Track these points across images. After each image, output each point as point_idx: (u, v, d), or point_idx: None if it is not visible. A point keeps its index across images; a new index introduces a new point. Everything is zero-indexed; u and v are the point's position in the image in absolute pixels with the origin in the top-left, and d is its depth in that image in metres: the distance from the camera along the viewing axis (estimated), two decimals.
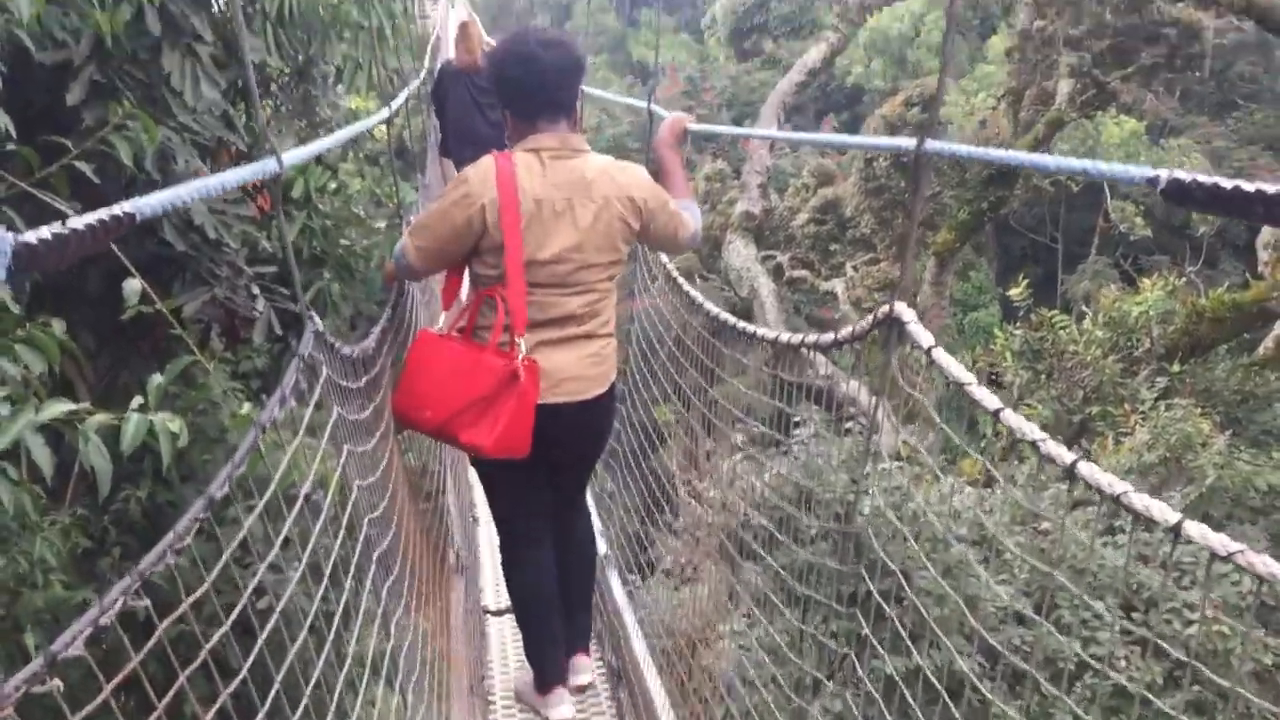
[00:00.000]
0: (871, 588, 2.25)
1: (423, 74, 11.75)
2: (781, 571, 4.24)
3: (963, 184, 15.64)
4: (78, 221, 0.98)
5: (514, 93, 3.04)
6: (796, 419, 6.76)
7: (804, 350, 2.79)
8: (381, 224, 8.67)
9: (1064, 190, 21.40)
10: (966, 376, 1.69)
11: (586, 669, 3.65)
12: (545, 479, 3.32)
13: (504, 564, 3.51)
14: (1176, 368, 10.22)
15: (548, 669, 3.51)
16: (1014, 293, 11.54)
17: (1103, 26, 15.74)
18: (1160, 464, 8.33)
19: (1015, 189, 16.23)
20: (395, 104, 4.94)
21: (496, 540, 3.57)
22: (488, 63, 3.24)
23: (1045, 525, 7.57)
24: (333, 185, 6.91)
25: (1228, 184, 1.09)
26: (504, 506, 3.41)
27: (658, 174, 3.35)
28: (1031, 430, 1.55)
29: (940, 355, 1.74)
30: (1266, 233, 14.20)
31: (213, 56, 4.35)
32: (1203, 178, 1.11)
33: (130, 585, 1.28)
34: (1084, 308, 19.07)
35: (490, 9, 46.51)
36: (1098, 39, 15.76)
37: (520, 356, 2.91)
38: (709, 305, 3.75)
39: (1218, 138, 28.65)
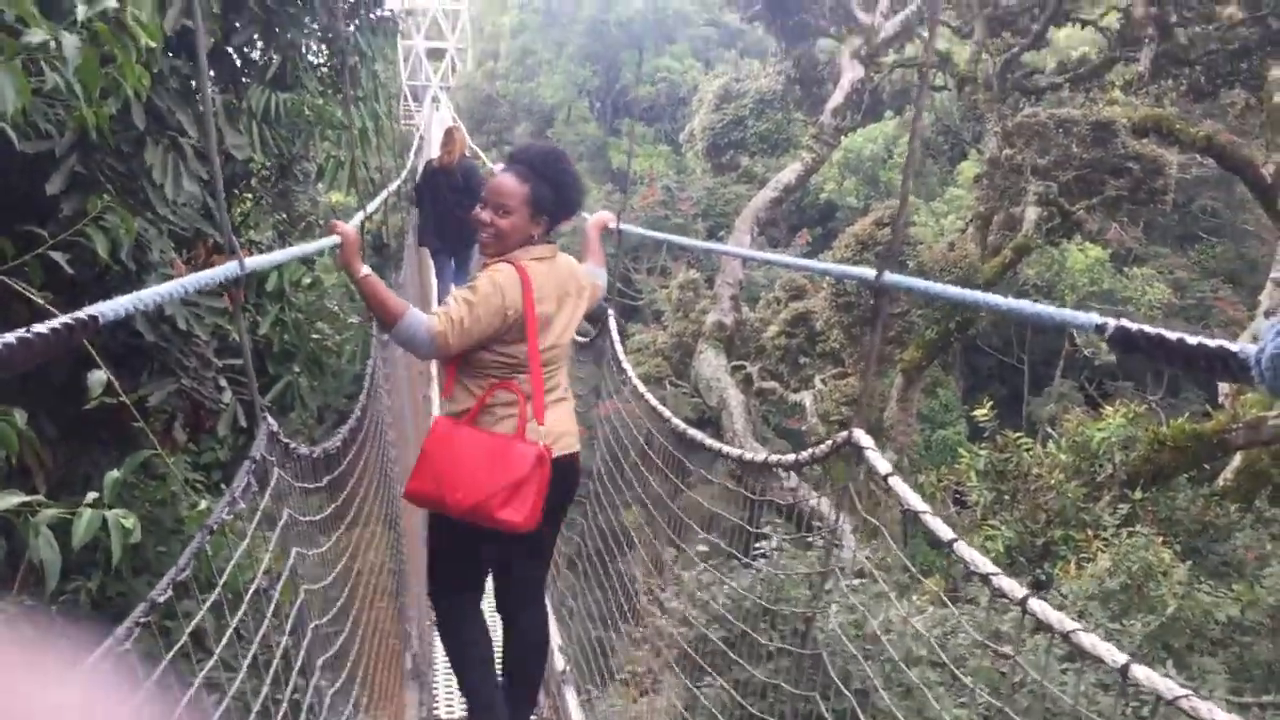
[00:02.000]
0: (824, 711, 2.22)
1: (404, 173, 11.96)
2: (724, 690, 4.18)
3: (930, 303, 15.88)
4: (42, 326, 0.99)
5: (565, 212, 3.53)
6: (760, 532, 6.72)
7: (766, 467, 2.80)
8: (355, 319, 8.70)
9: None
10: (921, 505, 1.70)
11: None
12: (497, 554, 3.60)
13: (446, 635, 3.70)
14: (1138, 495, 10.28)
15: None
16: (979, 413, 11.64)
17: (1069, 157, 16.20)
18: (1121, 591, 8.32)
19: (982, 311, 16.51)
20: (371, 207, 5.06)
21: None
22: (555, 173, 3.51)
23: (1007, 648, 7.49)
24: (307, 280, 6.96)
25: (1172, 335, 1.12)
26: (452, 577, 3.61)
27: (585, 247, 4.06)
28: (984, 564, 1.56)
29: (896, 483, 1.76)
30: None
31: (195, 150, 4.40)
32: (1149, 329, 1.15)
33: None
34: (1049, 429, 19.22)
35: (475, 113, 47.46)
36: (1064, 169, 16.21)
37: (542, 442, 3.30)
38: (675, 420, 3.78)
39: (1180, 269, 29.35)
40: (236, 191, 6.86)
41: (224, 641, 2.10)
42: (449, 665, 4.49)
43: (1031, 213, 16.23)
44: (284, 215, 7.42)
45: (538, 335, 3.34)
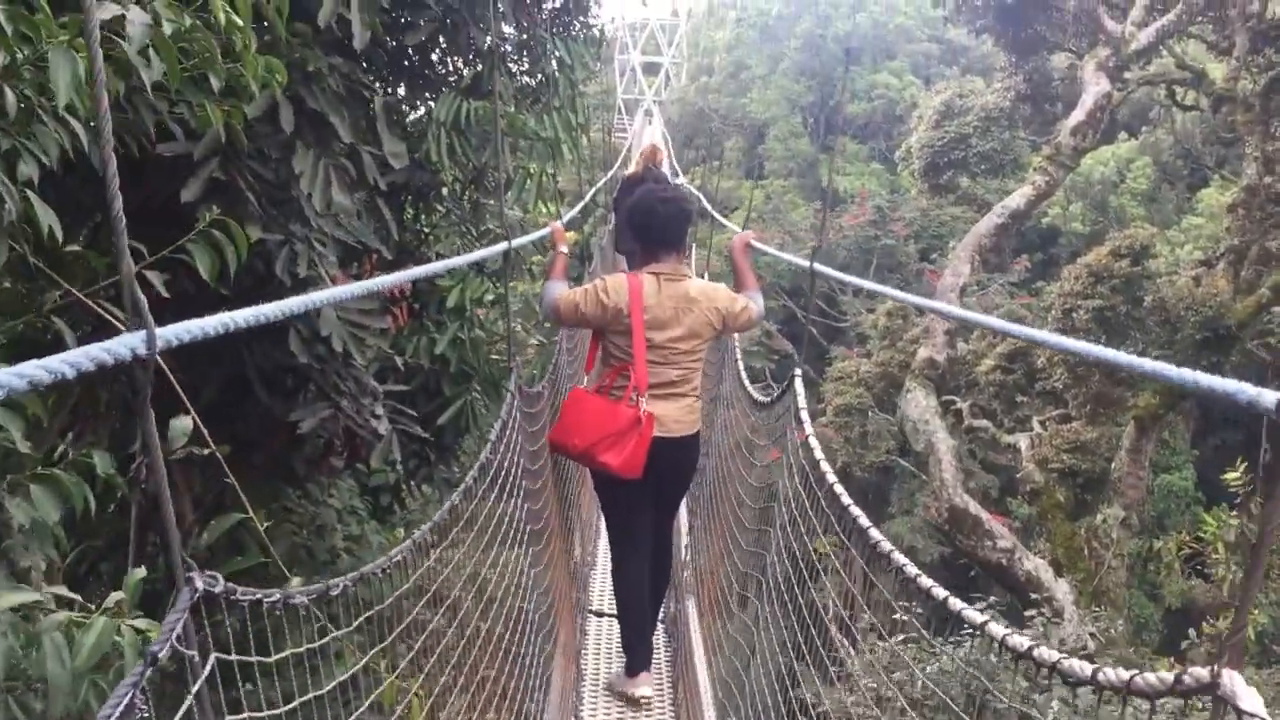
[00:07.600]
0: None
1: (599, 183, 11.81)
2: None
3: (1171, 344, 14.32)
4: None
5: (640, 233, 4.42)
6: (973, 601, 5.88)
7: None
8: (536, 341, 8.24)
9: None
10: None
11: (647, 683, 4.86)
12: (650, 501, 4.54)
13: (614, 572, 4.79)
14: None
15: (638, 656, 4.79)
16: (1229, 477, 10.17)
17: None
18: None
19: (1231, 354, 14.79)
20: (573, 212, 4.84)
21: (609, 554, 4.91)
22: (623, 212, 4.62)
23: None
24: (490, 296, 6.50)
25: None
26: (618, 522, 4.68)
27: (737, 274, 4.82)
28: None
29: None
30: None
31: (347, 156, 3.97)
32: None
33: None
34: None
35: (686, 127, 47.40)
36: None
37: (643, 410, 4.19)
38: (908, 566, 2.85)
39: None
40: (423, 204, 6.50)
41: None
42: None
43: None
44: (470, 229, 7.02)
45: (642, 329, 4.21)
